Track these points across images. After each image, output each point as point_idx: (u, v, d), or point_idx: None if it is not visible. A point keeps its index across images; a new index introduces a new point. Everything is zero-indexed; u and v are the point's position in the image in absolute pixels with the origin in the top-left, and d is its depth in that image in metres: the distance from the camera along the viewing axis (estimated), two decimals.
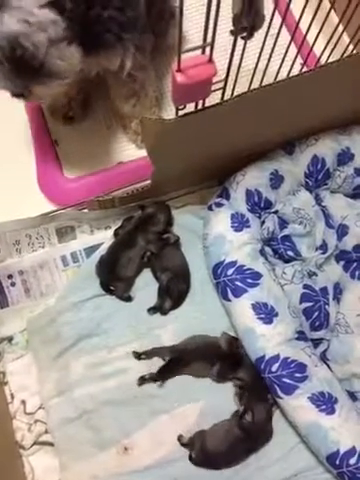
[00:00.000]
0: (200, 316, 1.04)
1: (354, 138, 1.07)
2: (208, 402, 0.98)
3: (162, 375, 0.98)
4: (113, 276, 1.03)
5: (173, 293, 1.04)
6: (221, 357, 0.96)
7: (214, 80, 0.72)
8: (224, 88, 0.82)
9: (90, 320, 1.04)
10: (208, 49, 0.68)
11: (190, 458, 0.94)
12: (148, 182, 1.01)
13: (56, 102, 1.16)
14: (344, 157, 1.06)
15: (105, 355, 1.02)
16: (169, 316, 1.05)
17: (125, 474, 0.95)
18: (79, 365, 1.01)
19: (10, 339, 1.05)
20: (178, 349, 0.99)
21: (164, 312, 1.04)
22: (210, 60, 0.69)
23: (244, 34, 1.09)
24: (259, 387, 0.94)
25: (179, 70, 0.65)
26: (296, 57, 0.91)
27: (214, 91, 0.81)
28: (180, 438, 0.95)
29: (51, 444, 0.99)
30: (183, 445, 0.94)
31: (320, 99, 0.90)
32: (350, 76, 0.85)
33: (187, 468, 0.94)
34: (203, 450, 0.93)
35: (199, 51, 0.67)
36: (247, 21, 1.20)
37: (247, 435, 0.92)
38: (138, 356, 1.00)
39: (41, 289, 1.08)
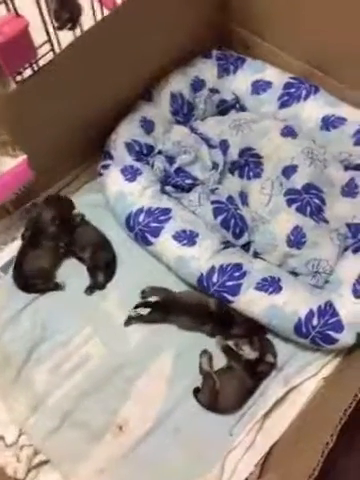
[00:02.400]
0: (137, 274, 1.05)
1: (199, 66, 1.16)
2: (176, 350, 0.99)
3: (149, 314, 0.97)
4: (23, 274, 1.02)
5: (101, 265, 1.04)
6: (212, 318, 0.98)
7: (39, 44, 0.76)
8: (51, 46, 0.86)
9: (33, 327, 1.00)
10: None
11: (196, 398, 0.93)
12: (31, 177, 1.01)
13: None
14: (196, 85, 1.14)
15: (63, 352, 0.99)
16: (108, 288, 1.05)
17: (130, 451, 0.92)
18: (42, 374, 0.98)
19: None
20: (172, 295, 1.00)
21: (101, 286, 1.04)
22: (18, 14, 0.73)
23: (70, 25, 1.15)
24: (257, 330, 0.96)
25: None
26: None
27: (44, 55, 0.86)
28: None
29: (46, 462, 0.93)
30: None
31: (147, 34, 0.97)
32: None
33: (187, 413, 0.94)
34: (212, 396, 0.93)
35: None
36: (67, 14, 1.28)
37: (258, 380, 0.93)
38: (144, 295, 1.00)
39: None
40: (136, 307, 0.98)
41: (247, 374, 0.92)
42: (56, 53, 0.84)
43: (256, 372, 0.92)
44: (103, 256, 1.05)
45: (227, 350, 0.95)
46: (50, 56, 0.86)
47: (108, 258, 1.05)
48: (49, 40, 0.87)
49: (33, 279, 1.02)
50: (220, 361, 0.97)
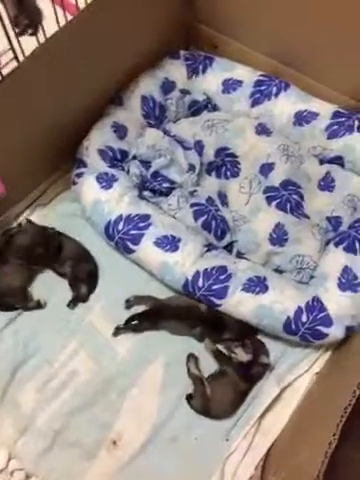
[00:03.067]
0: (120, 283, 1.02)
1: (167, 68, 1.14)
2: (166, 358, 0.97)
3: (139, 323, 0.96)
4: None
5: (83, 277, 1.01)
6: (202, 321, 0.96)
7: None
8: (14, 53, 0.82)
9: (16, 347, 0.97)
10: None
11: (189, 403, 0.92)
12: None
13: None
14: (167, 87, 1.12)
15: (49, 370, 0.96)
16: (91, 300, 1.02)
17: (126, 466, 0.90)
18: (28, 394, 0.94)
19: None
20: (161, 302, 0.98)
21: (84, 298, 1.01)
22: None
23: (31, 31, 1.11)
24: (248, 333, 0.95)
25: None
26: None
27: (8, 63, 0.82)
28: None
29: None
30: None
31: (112, 37, 0.95)
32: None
33: (182, 421, 0.92)
34: (204, 400, 0.91)
35: None
36: (26, 19, 1.23)
37: (251, 384, 0.92)
38: (128, 304, 0.99)
39: None
40: (127, 322, 0.96)
41: (240, 378, 0.91)
42: (20, 61, 0.80)
43: (250, 374, 0.91)
44: (84, 268, 1.02)
45: (218, 354, 0.94)
46: (14, 64, 0.82)
47: (90, 269, 1.02)
48: (11, 48, 0.83)
49: (4, 297, 0.98)
50: (210, 366, 0.95)
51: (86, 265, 1.02)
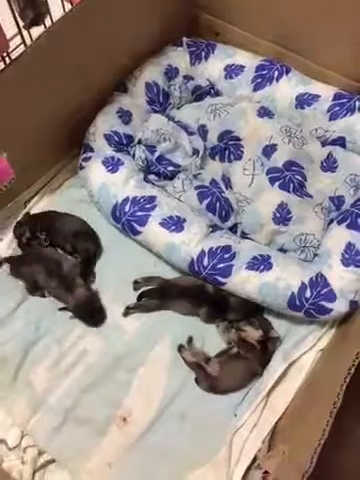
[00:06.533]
0: (127, 265, 1.05)
1: (170, 55, 1.16)
2: (173, 336, 0.99)
3: (149, 301, 0.98)
4: None
5: (81, 254, 1.03)
6: (208, 301, 0.98)
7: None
8: (22, 39, 0.85)
9: (27, 327, 0.99)
10: None
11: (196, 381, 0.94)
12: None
13: None
14: (170, 73, 1.14)
15: (59, 349, 0.98)
16: (100, 282, 1.04)
17: (136, 442, 0.92)
18: (40, 373, 0.96)
19: None
20: (168, 282, 1.00)
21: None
22: None
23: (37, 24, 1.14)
24: (253, 312, 0.97)
25: None
26: None
27: (16, 48, 0.84)
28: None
29: (52, 461, 0.92)
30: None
31: (116, 25, 0.97)
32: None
33: (190, 398, 0.94)
34: (209, 380, 0.93)
35: None
36: (32, 12, 1.26)
37: (265, 364, 0.94)
38: (136, 285, 1.00)
39: None
40: (139, 298, 0.98)
41: (256, 359, 0.92)
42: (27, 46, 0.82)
43: (267, 353, 0.93)
44: (82, 246, 1.03)
45: (237, 341, 0.95)
46: (21, 49, 0.85)
47: (87, 247, 1.04)
48: (20, 32, 0.86)
49: None
50: (214, 347, 0.97)
51: (84, 243, 1.04)
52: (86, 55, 0.94)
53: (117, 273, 1.04)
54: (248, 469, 0.87)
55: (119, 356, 0.97)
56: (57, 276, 0.98)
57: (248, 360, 0.93)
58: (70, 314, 0.99)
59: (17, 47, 0.88)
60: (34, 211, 1.10)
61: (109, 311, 1.01)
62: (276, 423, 0.91)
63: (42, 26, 1.13)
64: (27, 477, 0.90)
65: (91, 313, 0.99)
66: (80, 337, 0.99)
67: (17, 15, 0.96)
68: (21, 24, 0.93)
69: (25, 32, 0.97)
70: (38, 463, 0.91)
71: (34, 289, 1.01)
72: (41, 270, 0.99)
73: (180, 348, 0.96)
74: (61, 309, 0.98)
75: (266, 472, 0.74)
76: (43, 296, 1.01)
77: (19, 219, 1.07)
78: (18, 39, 0.88)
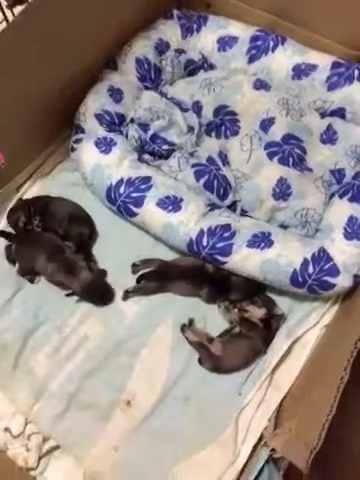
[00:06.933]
0: (125, 248, 1.03)
1: (160, 28, 1.11)
2: (175, 318, 0.97)
3: (147, 283, 0.96)
4: None
5: (73, 238, 1.01)
6: (209, 281, 0.96)
7: None
8: (4, 15, 0.81)
9: (25, 315, 0.98)
10: None
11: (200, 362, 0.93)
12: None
13: None
14: (161, 47, 1.10)
15: (59, 336, 0.97)
16: (98, 266, 1.02)
17: (140, 425, 0.91)
18: (40, 360, 0.95)
19: None
20: (167, 263, 0.98)
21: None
22: None
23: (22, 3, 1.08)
24: (255, 291, 0.96)
25: None
26: None
27: None
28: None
29: (57, 447, 0.91)
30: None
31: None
32: None
33: (194, 379, 0.93)
34: (212, 360, 0.92)
35: None
36: None
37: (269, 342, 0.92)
38: (135, 268, 0.99)
39: None
40: (137, 282, 0.96)
41: (260, 338, 0.91)
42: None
43: (271, 331, 0.91)
44: (75, 229, 1.01)
45: (241, 321, 0.93)
46: (3, 26, 0.81)
47: (80, 231, 1.01)
48: (2, 11, 0.82)
49: None
50: (217, 327, 0.96)
51: (77, 227, 1.01)
52: (70, 30, 0.90)
53: (115, 257, 1.02)
54: (255, 447, 0.87)
55: (120, 340, 0.96)
56: (58, 260, 0.96)
57: (251, 339, 0.92)
58: (76, 298, 0.97)
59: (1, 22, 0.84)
60: (27, 196, 1.07)
61: None
62: (282, 401, 0.90)
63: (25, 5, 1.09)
64: (32, 464, 0.90)
65: (99, 294, 0.97)
66: (80, 323, 0.98)
67: None
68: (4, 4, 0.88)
69: (8, 11, 0.93)
70: (43, 450, 0.91)
71: (26, 272, 0.99)
72: (42, 253, 0.96)
73: (183, 328, 0.95)
74: (68, 295, 0.96)
75: (273, 450, 0.73)
76: (32, 282, 0.99)
77: (12, 205, 1.04)
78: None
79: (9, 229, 1.03)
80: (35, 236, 1.01)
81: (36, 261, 0.97)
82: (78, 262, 0.97)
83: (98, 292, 0.97)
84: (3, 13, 0.86)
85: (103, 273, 0.99)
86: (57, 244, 0.99)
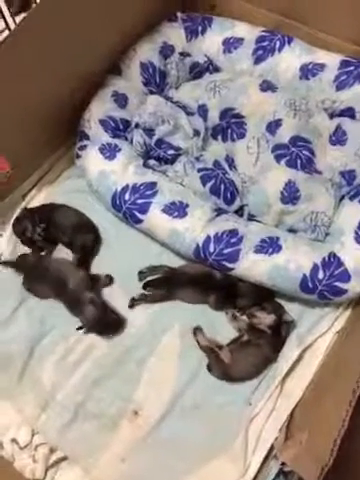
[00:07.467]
0: (131, 256, 1.01)
1: (165, 31, 1.10)
2: (182, 326, 0.95)
3: (154, 291, 0.95)
4: None
5: (78, 247, 1.00)
6: (217, 288, 0.94)
7: None
8: (6, 24, 0.80)
9: (31, 326, 0.97)
10: None
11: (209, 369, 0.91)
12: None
13: None
14: (166, 51, 1.09)
15: (65, 345, 0.96)
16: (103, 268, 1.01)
17: (148, 436, 0.89)
18: (48, 369, 0.94)
19: None
20: (174, 270, 0.96)
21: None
22: None
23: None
24: (264, 297, 0.94)
25: None
26: None
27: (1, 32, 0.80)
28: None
29: (64, 458, 0.90)
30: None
31: (103, 2, 0.92)
32: None
33: (203, 388, 0.91)
34: (222, 367, 0.90)
35: None
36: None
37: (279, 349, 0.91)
38: (142, 275, 0.97)
39: None
40: (143, 288, 0.95)
41: (270, 347, 0.89)
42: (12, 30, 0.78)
43: (280, 338, 0.89)
44: (79, 238, 1.00)
45: (249, 329, 0.91)
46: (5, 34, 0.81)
47: (84, 240, 1.01)
48: (3, 16, 0.82)
49: None
50: (227, 333, 0.94)
51: (81, 236, 1.00)
52: (73, 36, 0.89)
53: (121, 264, 1.01)
54: (265, 458, 0.84)
55: (127, 349, 0.94)
56: (64, 295, 0.95)
57: (260, 347, 0.89)
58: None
59: (1, 32, 0.83)
60: (33, 204, 1.06)
61: (115, 303, 0.98)
62: (292, 410, 0.87)
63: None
64: (40, 475, 0.89)
65: (105, 328, 0.95)
66: None
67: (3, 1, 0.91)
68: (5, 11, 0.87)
69: (10, 19, 0.93)
70: (50, 461, 0.90)
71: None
72: (50, 290, 0.96)
73: (195, 331, 0.93)
74: (78, 329, 0.94)
75: (283, 464, 0.70)
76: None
77: (17, 215, 1.03)
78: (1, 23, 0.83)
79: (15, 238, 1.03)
80: (42, 268, 0.99)
81: (46, 295, 0.98)
82: (81, 296, 0.94)
83: (104, 327, 0.94)
84: (5, 21, 0.85)
85: (106, 307, 0.96)
86: (60, 277, 0.96)
